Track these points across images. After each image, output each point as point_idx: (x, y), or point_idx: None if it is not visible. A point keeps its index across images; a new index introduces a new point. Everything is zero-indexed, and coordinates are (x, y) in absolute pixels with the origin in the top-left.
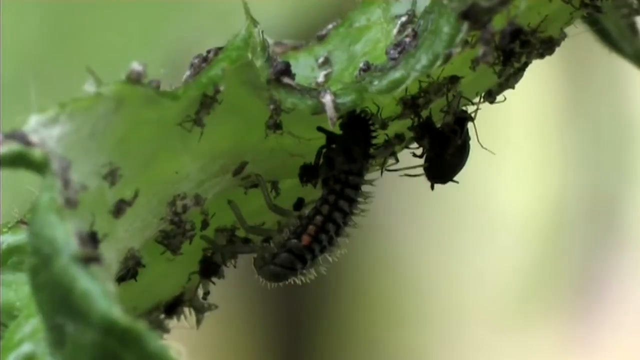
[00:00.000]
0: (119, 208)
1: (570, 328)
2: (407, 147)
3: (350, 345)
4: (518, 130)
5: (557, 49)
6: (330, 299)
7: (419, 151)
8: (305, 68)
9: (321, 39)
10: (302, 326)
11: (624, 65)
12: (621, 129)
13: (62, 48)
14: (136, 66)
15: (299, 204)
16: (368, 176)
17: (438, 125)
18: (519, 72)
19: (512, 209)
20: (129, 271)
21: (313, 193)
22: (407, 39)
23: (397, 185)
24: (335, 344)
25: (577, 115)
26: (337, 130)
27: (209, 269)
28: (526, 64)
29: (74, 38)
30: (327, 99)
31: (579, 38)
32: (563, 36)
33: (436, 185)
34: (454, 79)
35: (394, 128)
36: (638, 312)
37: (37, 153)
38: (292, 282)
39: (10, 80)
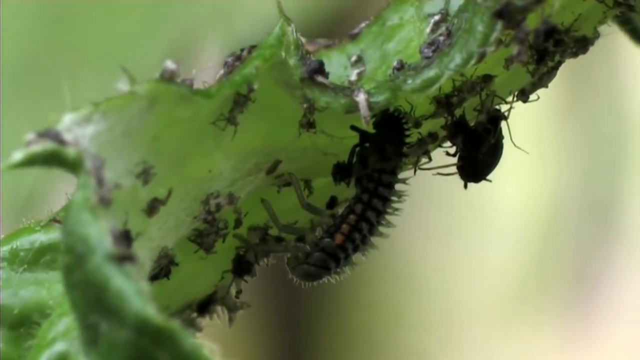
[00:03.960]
0: (153, 207)
1: (568, 325)
2: (440, 145)
3: (351, 345)
4: (515, 128)
5: None
6: (330, 299)
7: (453, 150)
8: (338, 67)
9: (354, 37)
10: (302, 326)
11: (621, 64)
12: (618, 127)
13: (62, 42)
14: (169, 64)
15: (332, 202)
16: (401, 175)
17: (471, 124)
18: (552, 71)
19: (509, 208)
20: (162, 270)
21: (346, 192)
22: (441, 38)
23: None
24: (336, 343)
25: (574, 114)
26: (371, 129)
27: (242, 267)
28: (560, 63)
29: (74, 33)
30: (361, 97)
31: None
32: (597, 35)
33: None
34: (487, 78)
35: (427, 127)
36: (634, 309)
37: (70, 152)
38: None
39: (10, 75)
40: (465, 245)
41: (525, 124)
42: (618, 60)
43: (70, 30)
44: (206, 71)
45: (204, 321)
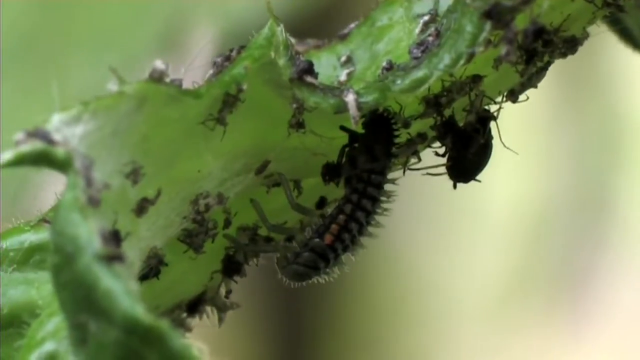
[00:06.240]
0: (142, 207)
1: (560, 324)
2: (429, 146)
3: (345, 345)
4: (507, 128)
5: None
6: (324, 299)
7: (442, 150)
8: (328, 67)
9: (343, 37)
10: (296, 327)
11: (612, 64)
12: (609, 127)
13: (53, 23)
14: (159, 64)
15: (322, 202)
16: (390, 175)
17: (461, 124)
18: (541, 72)
19: (503, 208)
20: (152, 270)
21: (335, 192)
22: (430, 38)
23: (396, 187)
24: (336, 343)
25: (566, 114)
26: (360, 129)
27: (231, 267)
28: (549, 64)
29: (65, 14)
30: (350, 97)
31: None
32: (585, 35)
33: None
34: (476, 78)
35: (416, 127)
36: (624, 308)
37: (60, 151)
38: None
39: (6, 55)
40: (462, 244)
41: (517, 123)
42: (609, 60)
43: (64, 11)
44: (195, 70)
45: (196, 322)
